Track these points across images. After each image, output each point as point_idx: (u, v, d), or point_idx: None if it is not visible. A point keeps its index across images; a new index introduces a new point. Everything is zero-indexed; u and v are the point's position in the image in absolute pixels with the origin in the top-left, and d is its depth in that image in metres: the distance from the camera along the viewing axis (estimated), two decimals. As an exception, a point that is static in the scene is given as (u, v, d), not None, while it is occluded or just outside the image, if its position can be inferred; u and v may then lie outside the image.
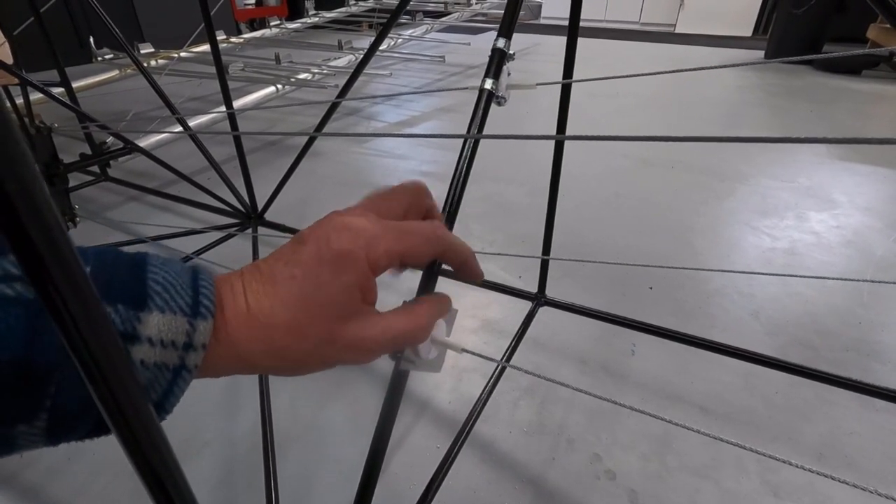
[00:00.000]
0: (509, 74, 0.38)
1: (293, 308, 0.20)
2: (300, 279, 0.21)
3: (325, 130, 0.93)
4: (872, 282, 1.00)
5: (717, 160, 1.69)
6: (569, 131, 0.68)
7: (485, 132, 0.37)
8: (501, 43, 0.37)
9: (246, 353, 0.20)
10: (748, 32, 4.33)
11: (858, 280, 1.04)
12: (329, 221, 0.22)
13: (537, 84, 0.38)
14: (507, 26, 0.38)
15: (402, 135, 1.52)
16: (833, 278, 1.04)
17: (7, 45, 1.38)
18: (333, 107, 0.84)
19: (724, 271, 1.08)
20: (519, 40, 3.82)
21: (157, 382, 0.17)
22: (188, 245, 1.10)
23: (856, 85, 2.72)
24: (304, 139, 0.97)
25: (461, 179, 0.32)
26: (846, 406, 0.78)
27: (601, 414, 0.76)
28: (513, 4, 0.37)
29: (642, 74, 0.38)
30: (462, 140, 0.35)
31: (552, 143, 0.67)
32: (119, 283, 0.17)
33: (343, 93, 0.86)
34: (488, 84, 0.36)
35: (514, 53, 0.37)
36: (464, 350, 0.36)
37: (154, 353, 0.17)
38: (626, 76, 0.36)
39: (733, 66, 0.36)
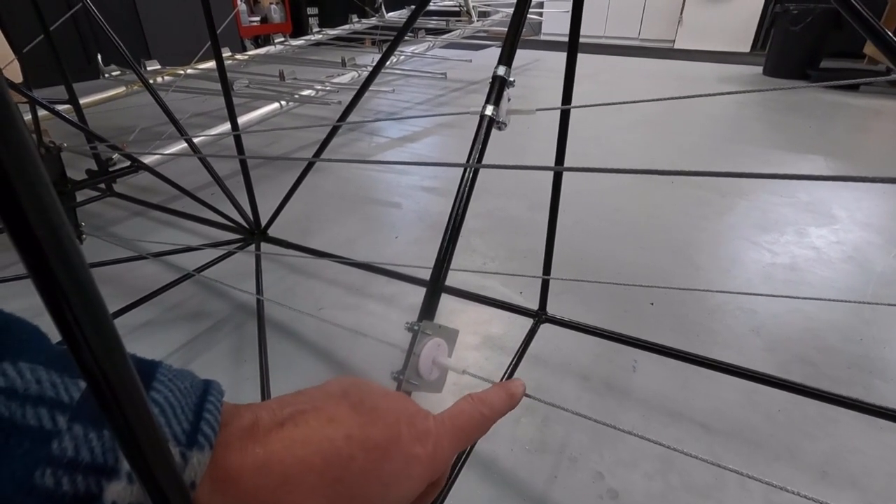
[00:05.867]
0: (509, 100, 0.39)
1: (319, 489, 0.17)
2: (343, 469, 0.18)
3: (329, 145, 0.95)
4: (876, 304, 1.00)
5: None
6: (569, 147, 0.69)
7: (487, 146, 0.38)
8: (502, 70, 0.38)
9: (248, 497, 0.17)
10: (746, 48, 4.38)
11: (862, 302, 1.04)
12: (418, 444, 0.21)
13: (537, 109, 0.39)
14: (508, 54, 0.39)
15: (403, 162, 1.54)
16: (835, 300, 1.04)
17: (16, 62, 1.40)
18: (335, 129, 0.85)
19: (727, 292, 1.08)
20: (519, 56, 3.87)
21: None
22: (191, 261, 1.11)
23: (854, 100, 2.74)
24: (306, 153, 0.98)
25: (462, 205, 0.33)
26: (849, 424, 0.77)
27: (604, 431, 0.76)
28: (513, 34, 0.39)
29: (642, 101, 0.39)
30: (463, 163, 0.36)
31: (552, 159, 0.68)
32: None
33: (347, 111, 0.88)
34: (489, 110, 0.37)
35: (513, 80, 0.38)
36: (465, 372, 0.36)
37: (130, 493, 0.14)
38: (626, 102, 0.37)
39: (734, 93, 0.37)
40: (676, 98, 0.39)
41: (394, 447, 0.19)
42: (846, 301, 0.90)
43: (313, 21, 4.83)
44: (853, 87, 2.99)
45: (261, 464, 0.17)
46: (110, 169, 1.34)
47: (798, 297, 1.01)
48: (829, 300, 1.03)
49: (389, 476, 0.19)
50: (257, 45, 4.09)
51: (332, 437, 0.18)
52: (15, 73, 1.39)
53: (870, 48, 3.04)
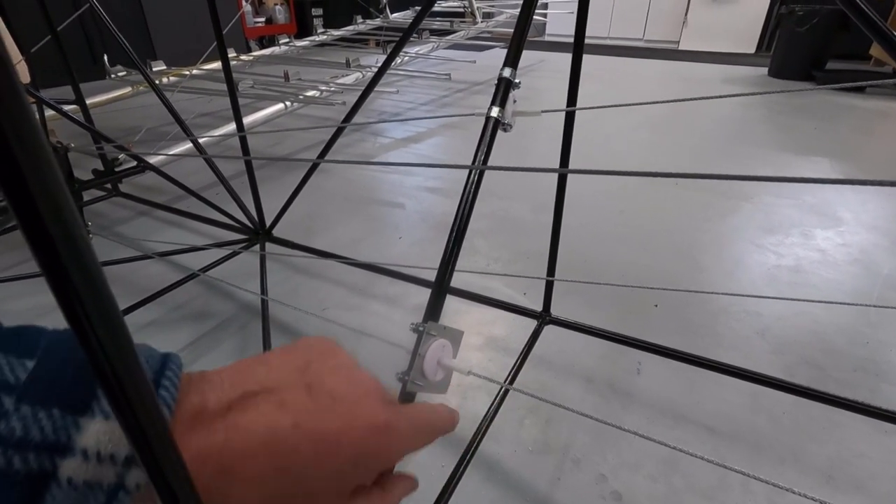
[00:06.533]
0: (515, 102, 0.39)
1: (276, 471, 0.17)
2: (299, 440, 0.18)
3: (333, 146, 0.95)
4: (882, 307, 1.00)
5: (722, 177, 1.69)
6: (573, 149, 0.69)
7: (493, 147, 0.38)
8: (507, 72, 0.38)
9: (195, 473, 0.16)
10: (752, 49, 4.36)
11: (868, 305, 1.03)
12: (372, 397, 0.20)
13: (542, 111, 0.39)
14: (513, 56, 0.39)
15: (408, 164, 1.53)
16: (841, 303, 1.04)
17: (24, 63, 1.42)
18: (340, 130, 0.85)
19: (732, 294, 1.08)
20: (524, 56, 3.87)
21: None
22: (196, 261, 1.12)
23: (860, 102, 2.72)
24: (311, 153, 0.99)
25: (467, 207, 0.33)
26: (855, 427, 0.77)
27: (607, 433, 0.76)
28: (518, 36, 0.39)
29: (647, 103, 0.39)
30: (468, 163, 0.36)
31: (557, 160, 0.68)
32: (64, 381, 0.15)
33: (352, 112, 0.88)
34: (494, 112, 0.37)
35: (519, 82, 0.38)
36: (470, 373, 0.36)
37: (86, 470, 0.14)
38: (631, 104, 0.37)
39: (739, 95, 0.37)
40: (681, 100, 0.38)
41: (345, 439, 0.19)
42: (852, 304, 0.90)
43: (318, 22, 4.85)
44: (859, 89, 2.97)
45: (197, 455, 0.16)
46: (116, 169, 1.35)
47: (804, 300, 1.00)
48: (835, 303, 1.02)
49: (336, 469, 0.19)
50: (262, 46, 4.11)
51: (278, 425, 0.18)
52: (23, 74, 1.40)
53: (876, 49, 3.03)
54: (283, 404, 0.18)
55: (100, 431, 0.15)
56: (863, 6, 0.40)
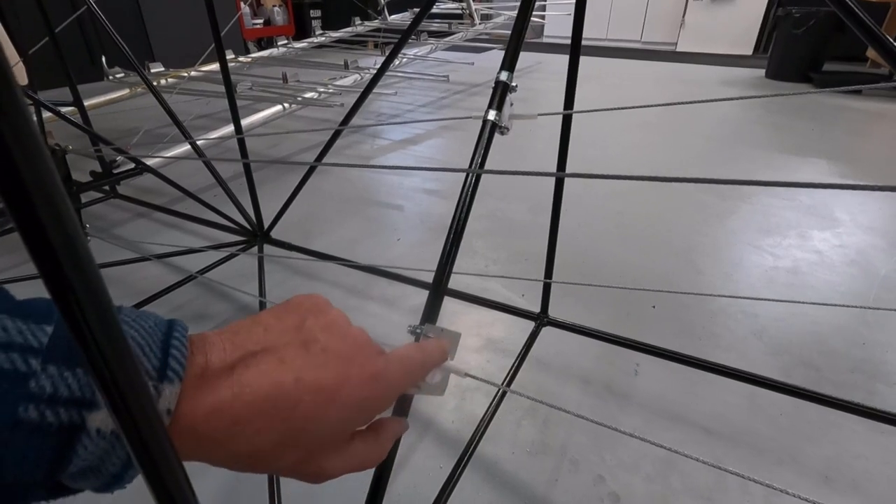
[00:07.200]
0: (512, 105, 0.39)
1: (278, 420, 0.19)
2: (301, 388, 0.19)
3: (332, 148, 0.95)
4: (879, 309, 1.00)
5: (719, 178, 1.70)
6: (571, 150, 0.69)
7: (490, 148, 0.38)
8: (504, 76, 0.38)
9: (204, 438, 0.18)
10: (749, 51, 4.38)
11: (865, 307, 1.04)
12: (366, 352, 0.22)
13: (539, 114, 0.39)
14: (510, 60, 0.39)
15: (406, 167, 1.54)
16: (838, 305, 1.04)
17: (21, 65, 1.41)
18: (338, 133, 0.86)
19: (729, 297, 1.08)
20: (521, 58, 3.88)
21: (115, 454, 0.16)
22: (194, 263, 1.12)
23: (856, 103, 2.73)
24: (309, 155, 0.99)
25: (464, 210, 0.33)
26: (852, 428, 0.77)
27: (605, 434, 0.76)
28: (516, 39, 0.39)
29: (644, 106, 0.39)
30: (465, 166, 0.36)
31: (554, 161, 0.68)
32: None
33: (350, 114, 0.88)
34: (491, 115, 0.37)
35: (516, 85, 0.39)
36: (467, 374, 0.36)
37: (112, 421, 0.16)
38: (628, 108, 0.37)
39: (736, 99, 0.37)
40: (679, 104, 0.39)
41: (343, 389, 0.20)
42: (849, 306, 0.90)
43: (316, 23, 4.85)
44: (856, 91, 2.98)
45: (210, 410, 0.18)
46: (114, 171, 1.35)
47: (800, 302, 1.01)
48: (832, 305, 1.03)
49: (337, 417, 0.20)
50: (260, 48, 4.11)
51: (280, 380, 0.19)
52: (21, 76, 1.40)
53: (872, 52, 3.04)
54: (283, 361, 0.20)
55: None
56: (858, 11, 0.40)
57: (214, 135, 1.65)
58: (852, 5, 0.40)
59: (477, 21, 3.64)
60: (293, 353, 0.20)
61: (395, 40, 0.76)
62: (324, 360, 0.21)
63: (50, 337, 0.16)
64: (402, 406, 0.39)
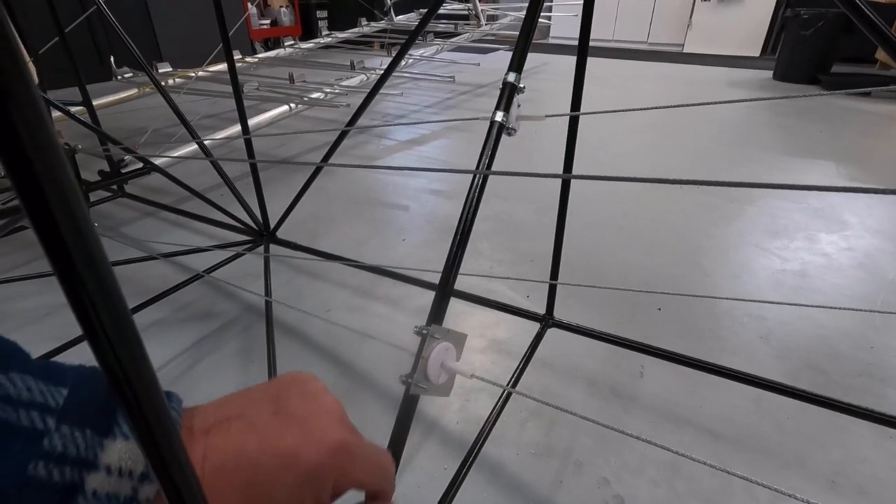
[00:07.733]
0: (519, 106, 0.39)
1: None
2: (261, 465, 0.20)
3: (338, 148, 0.95)
4: (887, 313, 0.99)
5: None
6: (577, 151, 0.69)
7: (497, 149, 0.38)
8: (512, 77, 0.38)
9: None
10: (756, 53, 4.35)
11: (873, 311, 1.03)
12: (322, 418, 0.22)
13: (546, 116, 0.39)
14: (518, 61, 0.39)
15: (412, 168, 1.54)
16: (846, 308, 1.03)
17: (32, 64, 1.43)
18: (344, 133, 0.86)
19: (736, 299, 1.08)
20: (528, 59, 3.88)
21: None
22: (201, 262, 1.12)
23: (865, 105, 2.71)
24: (316, 155, 0.99)
25: (471, 211, 0.33)
26: (859, 433, 0.77)
27: (610, 436, 0.76)
28: (523, 40, 0.39)
29: (651, 108, 0.39)
30: (472, 166, 0.36)
31: (560, 162, 0.68)
32: (93, 408, 0.17)
33: (357, 115, 0.88)
34: (499, 116, 0.37)
35: (524, 87, 0.39)
36: (473, 376, 0.36)
37: (108, 483, 0.17)
38: (635, 109, 0.37)
39: (743, 101, 0.37)
40: (686, 105, 0.39)
41: (302, 452, 0.20)
42: (857, 310, 0.89)
43: (323, 24, 4.86)
44: (865, 93, 2.96)
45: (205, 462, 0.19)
46: (122, 170, 1.36)
47: (808, 305, 1.00)
48: (840, 308, 1.02)
49: (296, 481, 0.20)
50: (267, 48, 4.12)
51: (245, 443, 0.20)
52: (31, 75, 1.41)
53: (881, 53, 3.01)
54: (251, 426, 0.21)
55: (121, 450, 0.17)
56: (867, 12, 0.40)
57: (221, 135, 1.66)
58: (862, 6, 0.40)
59: (483, 22, 3.64)
60: (265, 418, 0.21)
61: (401, 41, 0.76)
62: (289, 424, 0.21)
63: (65, 399, 0.17)
64: (409, 409, 0.39)
